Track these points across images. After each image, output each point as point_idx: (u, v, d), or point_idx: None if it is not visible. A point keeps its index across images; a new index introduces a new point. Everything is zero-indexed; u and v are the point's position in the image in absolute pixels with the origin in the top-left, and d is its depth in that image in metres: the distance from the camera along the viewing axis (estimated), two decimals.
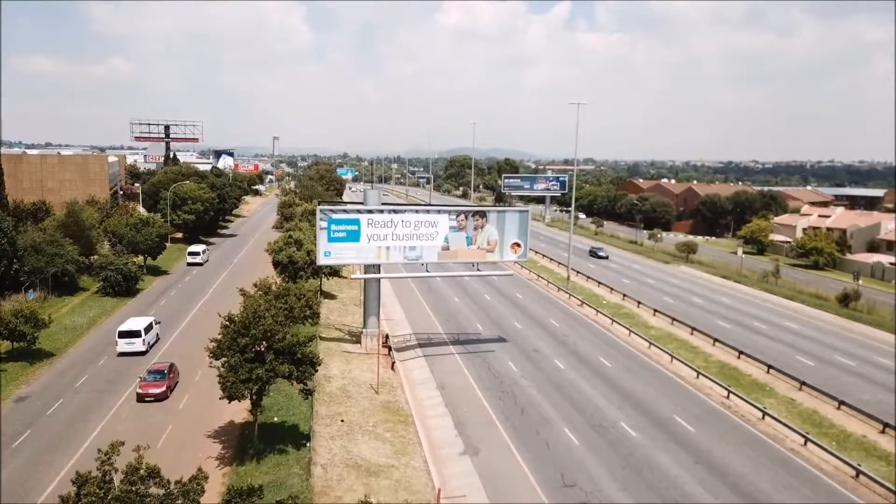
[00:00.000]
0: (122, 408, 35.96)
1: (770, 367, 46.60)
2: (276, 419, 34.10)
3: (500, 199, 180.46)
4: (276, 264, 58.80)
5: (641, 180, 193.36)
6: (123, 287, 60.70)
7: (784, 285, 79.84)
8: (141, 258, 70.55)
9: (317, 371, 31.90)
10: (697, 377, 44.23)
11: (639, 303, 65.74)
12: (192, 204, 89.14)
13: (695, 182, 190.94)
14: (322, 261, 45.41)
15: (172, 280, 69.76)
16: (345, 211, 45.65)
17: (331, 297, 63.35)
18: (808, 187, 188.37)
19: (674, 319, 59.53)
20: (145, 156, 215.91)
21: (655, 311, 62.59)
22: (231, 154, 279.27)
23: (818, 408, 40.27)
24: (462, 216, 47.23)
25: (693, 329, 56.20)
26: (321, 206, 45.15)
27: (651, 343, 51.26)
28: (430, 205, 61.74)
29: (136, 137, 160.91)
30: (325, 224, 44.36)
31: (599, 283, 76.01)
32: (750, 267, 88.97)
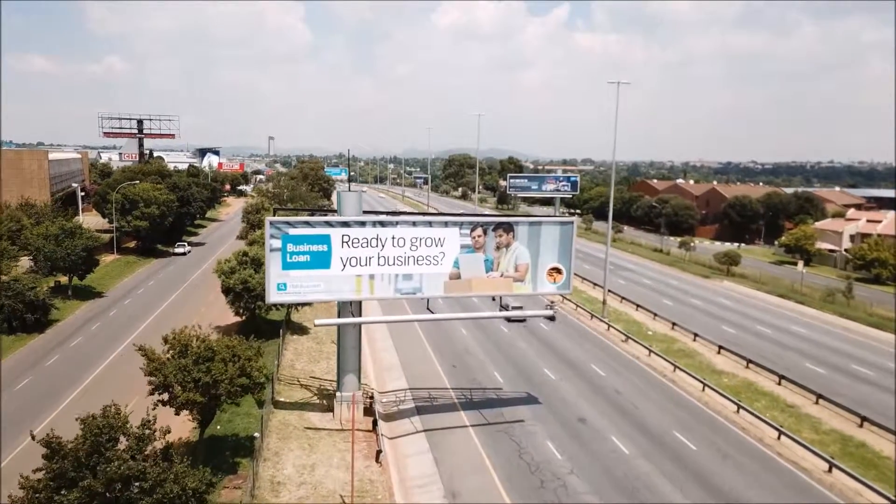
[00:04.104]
0: None
1: None
2: None
3: (503, 200, 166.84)
4: (226, 291, 44.40)
5: (656, 180, 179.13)
6: (30, 319, 46.46)
7: (856, 307, 65.95)
8: (66, 278, 56.22)
9: None
10: (830, 470, 29.94)
11: (695, 335, 51.58)
12: (144, 207, 74.58)
13: (715, 182, 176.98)
14: (274, 297, 30.76)
15: (103, 306, 55.08)
16: (308, 224, 31.02)
17: (301, 330, 48.80)
18: (837, 188, 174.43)
19: (749, 362, 45.50)
20: (120, 154, 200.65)
21: (721, 347, 48.54)
22: (217, 152, 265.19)
23: None
24: (479, 230, 32.93)
25: (780, 377, 42.18)
26: (272, 218, 30.70)
27: (739, 405, 36.91)
28: (433, 214, 46.74)
29: (105, 133, 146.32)
30: (278, 243, 30.00)
31: (637, 305, 61.83)
32: (805, 282, 74.89)
